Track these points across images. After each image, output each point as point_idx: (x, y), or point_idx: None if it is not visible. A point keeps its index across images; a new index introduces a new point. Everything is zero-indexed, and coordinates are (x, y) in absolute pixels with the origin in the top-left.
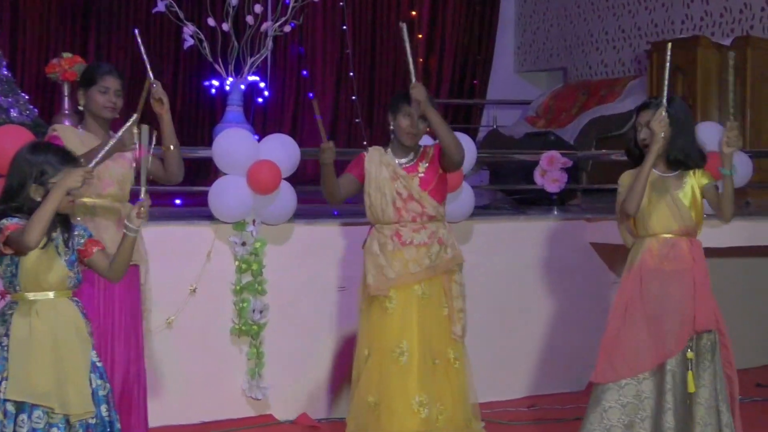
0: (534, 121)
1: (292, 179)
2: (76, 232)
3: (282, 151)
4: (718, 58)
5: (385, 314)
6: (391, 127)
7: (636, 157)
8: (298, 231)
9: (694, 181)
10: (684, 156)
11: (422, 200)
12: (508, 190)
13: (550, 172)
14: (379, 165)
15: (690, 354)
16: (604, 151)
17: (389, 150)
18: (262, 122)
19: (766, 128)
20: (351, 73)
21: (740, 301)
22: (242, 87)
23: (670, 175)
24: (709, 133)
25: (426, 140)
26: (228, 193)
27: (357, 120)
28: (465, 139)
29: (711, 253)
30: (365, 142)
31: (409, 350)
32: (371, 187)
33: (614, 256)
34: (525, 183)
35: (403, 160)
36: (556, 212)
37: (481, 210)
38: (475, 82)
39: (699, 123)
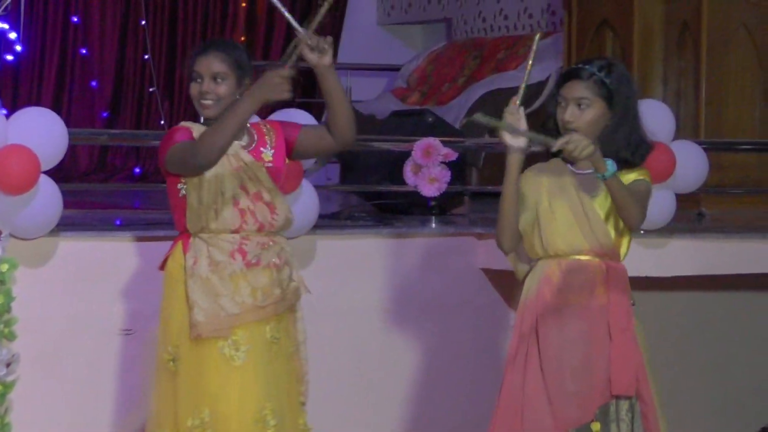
0: (404, 94)
1: (57, 173)
2: None
3: (41, 132)
4: (661, 11)
5: (229, 368)
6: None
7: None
8: (64, 248)
9: None
10: (632, 152)
11: (274, 201)
12: (367, 193)
13: (426, 168)
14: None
15: (596, 426)
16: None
17: None
18: (11, 90)
19: (728, 109)
20: (143, 21)
21: (690, 353)
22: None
23: (584, 173)
24: (648, 115)
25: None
26: None
27: (152, 89)
28: (307, 120)
29: (649, 284)
30: (162, 121)
31: (279, 422)
32: (201, 178)
33: (515, 286)
34: (390, 183)
35: (242, 142)
36: (434, 225)
37: (328, 220)
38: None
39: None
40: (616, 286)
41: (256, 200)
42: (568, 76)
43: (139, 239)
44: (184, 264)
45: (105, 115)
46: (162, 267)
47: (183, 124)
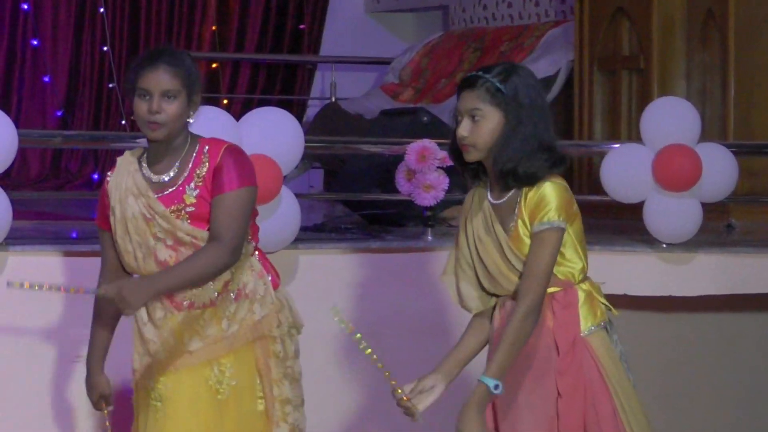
0: (396, 91)
1: (4, 180)
2: None
3: None
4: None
5: (154, 420)
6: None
7: (462, 164)
8: (12, 264)
9: (524, 209)
10: (512, 167)
11: (201, 243)
12: (354, 202)
13: (421, 174)
14: (126, 192)
15: None
16: None
17: (144, 156)
18: None
19: (759, 108)
20: (101, 9)
21: (718, 378)
22: None
23: (501, 202)
24: (670, 115)
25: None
26: None
27: (112, 84)
28: (283, 120)
29: (673, 305)
30: (123, 120)
31: None
32: (119, 233)
33: None
34: (380, 191)
35: (162, 178)
36: (430, 238)
37: (311, 233)
38: (301, 26)
39: (657, 98)
40: (558, 311)
41: (178, 246)
42: (462, 85)
43: (98, 254)
44: None
45: (59, 114)
46: None
47: (118, 161)
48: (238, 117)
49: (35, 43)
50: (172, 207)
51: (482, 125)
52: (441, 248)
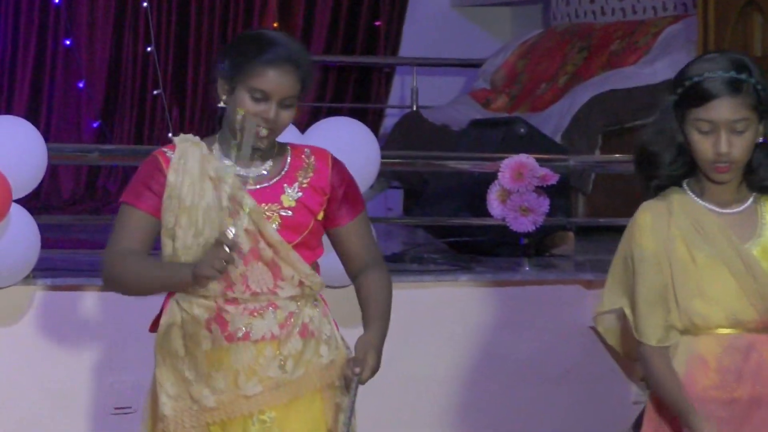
0: (487, 97)
1: (33, 202)
2: None
3: (12, 148)
4: None
5: None
6: (222, 103)
7: (672, 175)
8: (41, 300)
9: None
10: None
11: (283, 260)
12: (439, 228)
13: (517, 195)
14: (201, 177)
15: None
16: (618, 156)
17: (217, 146)
18: None
19: None
20: (144, 3)
21: None
22: None
23: (732, 212)
24: None
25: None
26: None
27: (156, 91)
28: (356, 131)
29: None
30: (170, 133)
31: None
32: (180, 222)
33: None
34: (470, 214)
35: (254, 170)
36: (528, 269)
37: (389, 263)
38: (377, 23)
39: None
40: None
41: (252, 259)
42: (717, 90)
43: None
44: (159, 330)
45: (95, 125)
46: (153, 328)
47: (175, 141)
48: (303, 128)
49: (68, 42)
50: (264, 206)
51: (747, 138)
52: (541, 282)
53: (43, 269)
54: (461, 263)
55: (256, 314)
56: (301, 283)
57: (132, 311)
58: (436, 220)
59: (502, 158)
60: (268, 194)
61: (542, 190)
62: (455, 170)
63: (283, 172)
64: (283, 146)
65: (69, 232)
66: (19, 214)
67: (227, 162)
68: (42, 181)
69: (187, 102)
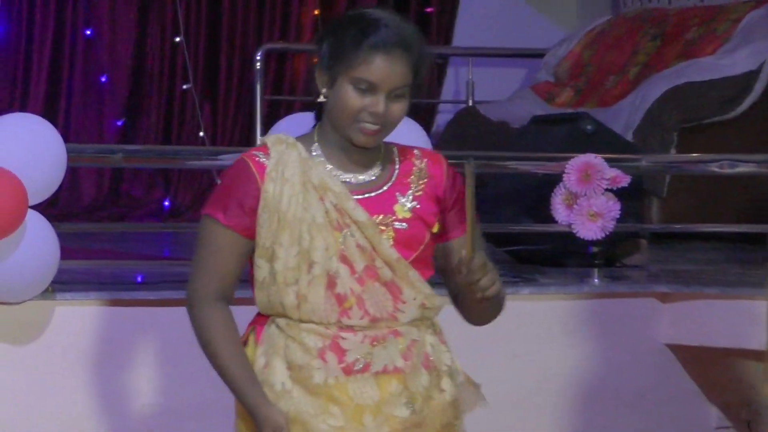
0: (551, 91)
1: (51, 209)
2: None
3: (28, 149)
4: None
5: None
6: (321, 97)
7: None
8: (61, 316)
9: None
10: None
11: (400, 280)
12: (498, 235)
13: (584, 199)
14: (303, 186)
15: None
16: (695, 155)
17: (317, 146)
18: None
19: None
20: None
21: None
22: None
23: None
24: None
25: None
26: None
27: (186, 85)
28: (406, 128)
29: None
30: (201, 132)
31: None
32: (280, 239)
33: (718, 371)
34: (533, 220)
35: (361, 177)
36: (597, 281)
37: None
38: (428, 9)
39: None
40: None
41: (368, 279)
42: None
43: (170, 303)
44: (254, 364)
45: (119, 123)
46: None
47: (266, 143)
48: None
49: (88, 33)
50: (377, 217)
51: None
52: (611, 294)
53: (63, 282)
54: (523, 275)
55: (376, 343)
56: (422, 305)
57: (163, 328)
58: (495, 227)
59: (568, 158)
60: (380, 204)
61: (612, 193)
62: (516, 172)
63: (393, 179)
64: (389, 147)
65: (90, 241)
66: (36, 222)
67: (329, 166)
68: (61, 186)
69: (219, 97)
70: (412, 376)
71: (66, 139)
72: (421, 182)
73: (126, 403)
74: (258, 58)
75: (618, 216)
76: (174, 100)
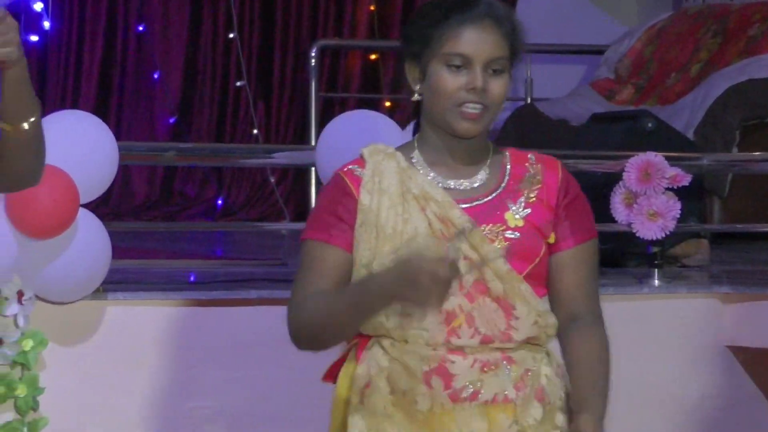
0: (611, 89)
1: (102, 208)
2: None
3: (79, 147)
4: None
5: None
6: (416, 96)
7: None
8: (112, 316)
9: None
10: None
11: (512, 295)
12: None
13: (644, 198)
14: (402, 196)
15: None
16: (758, 154)
17: (417, 153)
18: (36, 85)
19: None
20: None
21: None
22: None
23: None
24: None
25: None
26: None
27: (240, 82)
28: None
29: None
30: (255, 129)
31: None
32: (380, 255)
33: None
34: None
35: (466, 183)
36: (657, 281)
37: None
38: None
39: None
40: None
41: (478, 294)
42: None
43: (222, 303)
44: (352, 384)
45: (171, 121)
46: (329, 377)
47: (363, 155)
48: (404, 124)
49: (141, 28)
50: (485, 227)
51: None
52: (672, 295)
53: (114, 282)
54: None
55: (487, 369)
56: (535, 323)
57: (214, 329)
58: None
59: (628, 157)
60: (488, 212)
61: (673, 192)
62: (574, 170)
63: (503, 184)
64: (498, 150)
65: (142, 240)
66: (87, 221)
67: (432, 174)
68: (112, 184)
69: (273, 94)
70: (524, 409)
71: (118, 136)
72: (534, 188)
73: (176, 404)
74: (312, 54)
75: (678, 215)
76: (227, 97)
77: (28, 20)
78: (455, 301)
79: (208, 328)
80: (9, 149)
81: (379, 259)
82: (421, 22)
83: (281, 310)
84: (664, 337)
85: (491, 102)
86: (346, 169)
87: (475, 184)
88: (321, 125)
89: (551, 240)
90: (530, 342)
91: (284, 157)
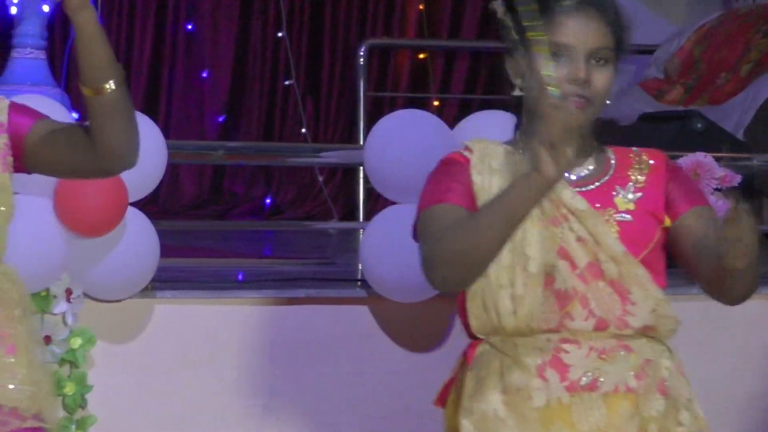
0: (660, 89)
1: (151, 206)
2: None
3: None
4: None
5: None
6: (517, 90)
7: None
8: (161, 314)
9: None
10: None
11: (629, 282)
12: None
13: None
14: (513, 177)
15: None
16: None
17: (520, 149)
18: None
19: None
20: None
21: None
22: (45, 9)
23: None
24: None
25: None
26: (12, 235)
27: (289, 81)
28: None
29: None
30: (303, 128)
31: None
32: None
33: None
34: None
35: (570, 174)
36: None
37: None
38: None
39: None
40: None
41: (592, 277)
42: None
43: (271, 302)
44: (463, 388)
45: (220, 120)
46: (440, 402)
47: (467, 145)
48: (452, 124)
49: (190, 27)
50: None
51: None
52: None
53: (163, 280)
54: None
55: (604, 356)
56: (654, 311)
57: (263, 327)
58: None
59: (677, 157)
60: (598, 197)
61: (722, 193)
62: None
63: (611, 171)
64: (602, 147)
65: (191, 239)
66: (136, 220)
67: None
68: (161, 183)
69: (322, 93)
70: (646, 399)
71: (166, 135)
72: (642, 173)
73: (225, 403)
74: (361, 53)
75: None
76: (276, 96)
77: None
78: (568, 282)
79: (256, 327)
80: (95, 119)
81: None
82: (520, 17)
83: (329, 309)
84: (712, 336)
85: (594, 94)
86: (453, 153)
87: (583, 173)
88: (369, 124)
89: (667, 223)
90: (648, 334)
91: (332, 156)
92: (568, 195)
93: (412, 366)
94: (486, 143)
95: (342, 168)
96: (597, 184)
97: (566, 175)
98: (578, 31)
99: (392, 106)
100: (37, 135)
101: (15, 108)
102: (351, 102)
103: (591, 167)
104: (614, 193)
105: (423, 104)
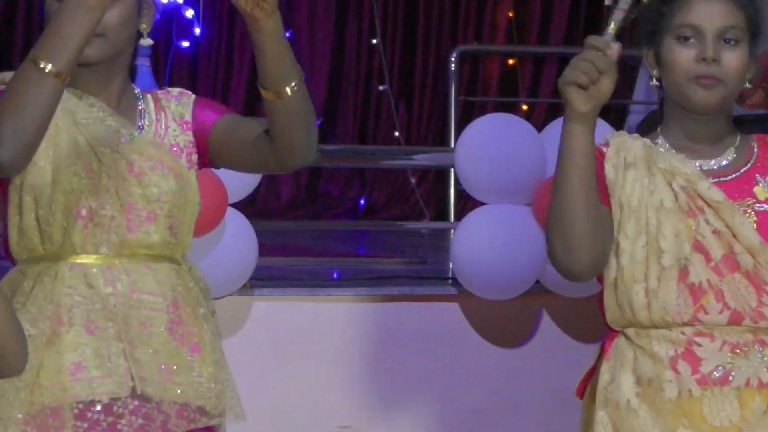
0: (743, 92)
1: (249, 207)
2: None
3: None
4: None
5: None
6: (654, 80)
7: None
8: (258, 311)
9: None
10: None
11: (764, 269)
12: None
13: None
14: (648, 170)
15: None
16: None
17: (662, 139)
18: (187, 89)
19: None
20: None
21: None
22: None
23: None
24: None
25: None
26: None
27: (383, 86)
28: (601, 132)
29: None
30: (397, 132)
31: None
32: (625, 230)
33: None
34: None
35: (712, 162)
36: None
37: None
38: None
39: None
40: None
41: (727, 270)
42: None
43: (366, 299)
44: (599, 380)
45: (317, 123)
46: (579, 392)
47: (606, 139)
48: (540, 127)
49: (288, 35)
50: (735, 201)
51: None
52: None
53: (261, 278)
54: None
55: (738, 351)
56: None
57: (358, 324)
58: None
59: None
60: (736, 187)
61: None
62: None
63: (752, 161)
64: (745, 136)
65: (288, 239)
66: (235, 220)
67: (679, 156)
68: (259, 185)
69: (414, 97)
70: None
71: None
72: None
73: (320, 397)
74: (452, 59)
75: None
76: (370, 101)
77: (179, 27)
78: (702, 275)
79: (351, 324)
80: (276, 122)
81: (623, 234)
82: (651, 8)
83: (421, 306)
84: None
85: (725, 75)
86: (604, 147)
87: (722, 163)
88: (460, 128)
89: None
90: None
91: (425, 158)
92: (704, 186)
93: (501, 361)
94: (624, 137)
95: (434, 170)
96: (736, 174)
97: (703, 167)
98: (706, 11)
99: (482, 110)
100: (220, 131)
101: (199, 104)
102: (442, 106)
103: (731, 156)
104: (754, 182)
105: (512, 108)
